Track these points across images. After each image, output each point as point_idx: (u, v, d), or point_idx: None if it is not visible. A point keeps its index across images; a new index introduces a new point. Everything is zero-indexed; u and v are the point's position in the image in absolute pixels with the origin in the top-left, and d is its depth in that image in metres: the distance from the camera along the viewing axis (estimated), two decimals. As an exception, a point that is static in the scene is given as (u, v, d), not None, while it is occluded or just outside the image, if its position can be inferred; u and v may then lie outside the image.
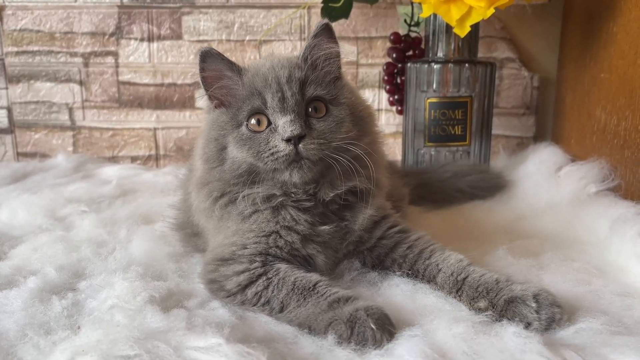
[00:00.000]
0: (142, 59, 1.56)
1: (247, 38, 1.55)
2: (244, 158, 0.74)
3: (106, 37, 1.55)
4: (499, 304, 0.65)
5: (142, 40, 1.55)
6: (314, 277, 0.69)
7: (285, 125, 0.71)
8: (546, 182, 1.16)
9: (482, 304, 0.66)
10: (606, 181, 1.05)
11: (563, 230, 0.96)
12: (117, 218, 1.00)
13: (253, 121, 0.74)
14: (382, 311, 0.61)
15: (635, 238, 0.82)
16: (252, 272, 0.70)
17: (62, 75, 1.56)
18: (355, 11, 1.46)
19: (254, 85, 0.75)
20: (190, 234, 0.90)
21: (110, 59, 1.56)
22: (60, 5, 1.53)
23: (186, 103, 1.58)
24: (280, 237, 0.75)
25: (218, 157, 0.76)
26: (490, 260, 0.82)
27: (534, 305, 0.62)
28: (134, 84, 1.57)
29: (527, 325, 0.61)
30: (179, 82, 1.57)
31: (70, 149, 1.60)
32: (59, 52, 1.55)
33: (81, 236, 0.91)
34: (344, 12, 1.34)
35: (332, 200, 0.77)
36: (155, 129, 1.59)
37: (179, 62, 1.56)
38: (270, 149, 0.72)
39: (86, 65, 1.56)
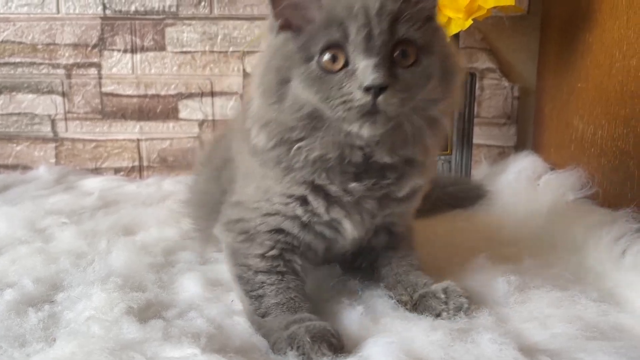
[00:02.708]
0: (125, 70, 1.56)
1: (231, 49, 1.56)
2: (309, 100, 0.63)
3: (89, 48, 1.55)
4: (415, 297, 0.72)
5: (125, 51, 1.55)
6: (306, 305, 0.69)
7: (367, 70, 0.59)
8: (525, 190, 1.18)
9: (404, 297, 0.73)
10: (584, 189, 1.07)
11: (542, 237, 0.96)
12: (97, 230, 0.99)
13: (327, 57, 0.61)
14: (324, 327, 0.61)
15: (611, 244, 0.83)
16: (271, 264, 0.72)
17: (45, 86, 1.56)
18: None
19: (335, 11, 0.61)
20: (209, 208, 0.85)
21: (93, 71, 1.56)
22: (43, 17, 1.53)
23: (170, 114, 1.58)
24: (307, 203, 0.70)
25: (277, 92, 0.64)
26: (470, 268, 0.83)
27: (442, 296, 0.70)
28: (117, 95, 1.57)
29: (437, 316, 0.68)
30: (163, 93, 1.57)
31: (53, 160, 1.59)
32: (41, 64, 1.55)
33: (60, 248, 0.90)
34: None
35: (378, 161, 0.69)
36: (138, 140, 1.59)
37: (162, 73, 1.56)
38: (342, 96, 0.61)
39: (69, 76, 1.56)
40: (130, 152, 1.60)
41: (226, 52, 1.56)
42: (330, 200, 0.70)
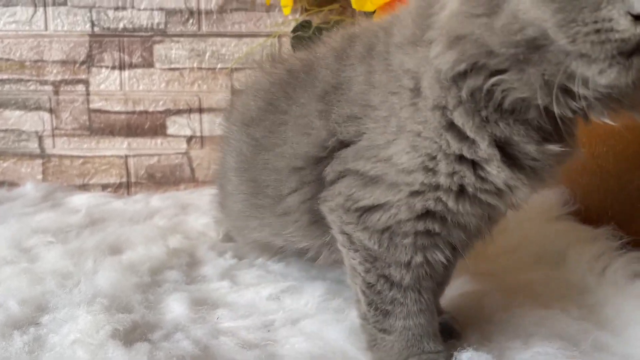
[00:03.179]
0: (113, 86, 1.56)
1: (219, 66, 1.57)
2: (540, 20, 0.46)
3: (77, 65, 1.55)
4: None
5: (113, 68, 1.56)
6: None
7: None
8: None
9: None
10: (567, 206, 1.08)
11: (526, 253, 0.98)
12: (84, 249, 0.99)
13: None
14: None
15: (592, 261, 0.85)
16: (417, 275, 0.62)
17: (32, 103, 1.56)
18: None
19: None
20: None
21: (81, 87, 1.56)
22: (31, 34, 1.53)
23: (158, 130, 1.58)
24: (481, 168, 0.55)
25: (491, 1, 0.48)
26: (455, 285, 0.83)
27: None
28: (105, 111, 1.57)
29: None
30: (151, 109, 1.58)
31: (40, 177, 1.58)
32: (28, 81, 1.55)
33: (46, 268, 0.89)
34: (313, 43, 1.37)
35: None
36: (126, 156, 1.59)
37: (150, 89, 1.57)
38: (596, 22, 0.44)
39: (56, 93, 1.56)
40: (118, 168, 1.60)
41: (214, 68, 1.57)
42: (512, 165, 0.56)
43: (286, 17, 1.50)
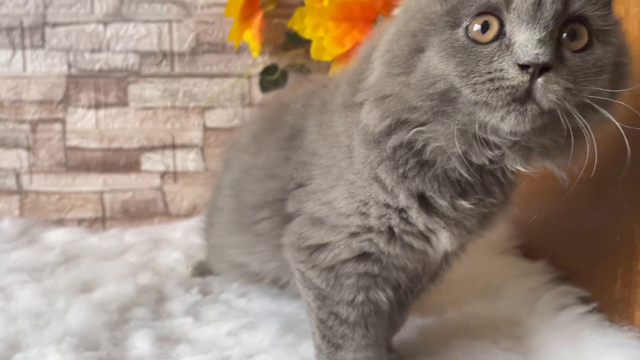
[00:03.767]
0: (89, 125, 1.63)
1: (192, 105, 1.64)
2: (445, 75, 0.52)
3: (54, 105, 1.62)
4: None
5: (89, 107, 1.62)
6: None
7: (528, 43, 0.48)
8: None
9: None
10: (512, 241, 1.17)
11: (470, 287, 1.04)
12: (57, 287, 1.04)
13: (477, 26, 0.51)
14: None
15: (525, 295, 0.93)
16: (361, 313, 0.68)
17: (10, 141, 1.61)
18: (292, 80, 1.57)
19: None
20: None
21: (58, 126, 1.62)
22: (10, 75, 1.59)
23: (132, 167, 1.65)
24: (404, 212, 0.62)
25: (407, 62, 0.54)
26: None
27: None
28: (81, 149, 1.63)
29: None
30: (126, 146, 1.64)
31: (17, 212, 1.63)
32: (6, 120, 1.61)
33: (20, 307, 0.94)
34: (279, 84, 1.45)
35: (494, 171, 0.60)
36: (102, 192, 1.65)
37: (125, 127, 1.63)
38: (490, 73, 0.49)
39: (34, 131, 1.62)
40: (94, 203, 1.65)
41: (187, 107, 1.64)
42: (430, 210, 0.62)
43: (255, 60, 1.58)
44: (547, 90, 0.49)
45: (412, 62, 0.54)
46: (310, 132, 0.71)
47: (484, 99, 0.50)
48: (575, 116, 0.51)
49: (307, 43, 1.27)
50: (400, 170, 0.61)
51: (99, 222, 1.66)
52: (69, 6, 1.58)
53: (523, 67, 0.49)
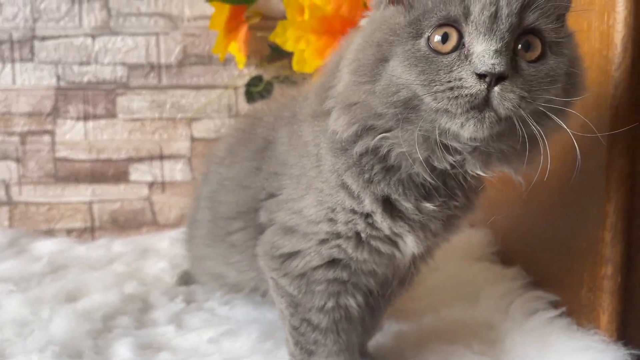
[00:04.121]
0: (78, 137, 1.65)
1: (179, 116, 1.67)
2: (408, 83, 0.54)
3: (43, 117, 1.64)
4: None
5: (78, 119, 1.64)
6: None
7: (485, 53, 0.51)
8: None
9: None
10: (488, 247, 1.19)
11: (448, 293, 1.07)
12: (43, 297, 1.06)
13: (438, 37, 0.54)
14: None
15: (498, 299, 0.95)
16: (332, 319, 0.70)
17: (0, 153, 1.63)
18: (277, 91, 1.60)
19: None
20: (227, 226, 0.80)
21: (47, 138, 1.64)
22: (-1, 88, 1.62)
23: (121, 177, 1.67)
24: (369, 217, 0.64)
25: (372, 71, 0.57)
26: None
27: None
28: (70, 160, 1.65)
29: None
30: (114, 157, 1.66)
31: (7, 223, 1.65)
32: (-4, 132, 1.63)
33: (6, 317, 0.96)
34: (264, 95, 1.48)
35: (456, 176, 0.63)
36: (90, 202, 1.67)
37: (113, 139, 1.66)
38: (450, 82, 0.52)
39: (23, 143, 1.64)
40: (83, 213, 1.67)
41: (174, 118, 1.66)
42: (395, 214, 0.65)
43: (241, 71, 1.61)
44: (503, 99, 0.52)
45: (377, 71, 0.57)
46: (280, 143, 0.73)
47: (445, 107, 0.53)
48: (530, 124, 0.54)
49: (290, 55, 1.30)
50: (366, 176, 0.63)
51: (88, 232, 1.68)
52: (58, 20, 1.61)
53: (481, 76, 0.52)
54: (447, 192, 0.64)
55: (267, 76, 1.57)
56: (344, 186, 0.64)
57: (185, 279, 1.19)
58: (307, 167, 0.68)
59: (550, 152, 0.82)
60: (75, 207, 1.67)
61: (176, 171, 1.66)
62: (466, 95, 0.52)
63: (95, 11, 1.61)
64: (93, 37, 1.62)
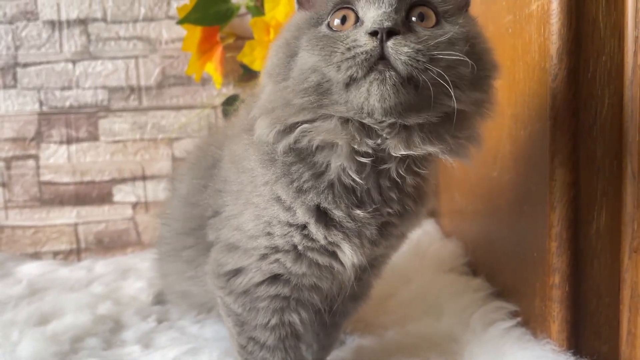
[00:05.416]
0: (62, 160, 1.68)
1: (160, 136, 1.69)
2: (314, 65, 0.57)
3: (27, 141, 1.67)
4: None
5: (61, 143, 1.67)
6: None
7: (376, 16, 0.55)
8: (416, 257, 1.30)
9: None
10: (459, 258, 1.20)
11: (418, 305, 1.07)
12: (16, 320, 1.07)
13: (337, 21, 0.59)
14: None
15: (461, 312, 0.96)
16: (278, 336, 0.71)
17: (-15, 179, 1.66)
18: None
19: None
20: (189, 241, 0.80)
21: (31, 162, 1.67)
22: (-17, 115, 1.65)
23: (105, 198, 1.69)
24: (304, 228, 0.65)
25: (285, 68, 0.60)
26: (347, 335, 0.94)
27: None
28: (55, 183, 1.68)
29: None
30: (97, 179, 1.69)
31: (-6, 247, 1.68)
32: (-19, 158, 1.66)
33: (-24, 342, 0.98)
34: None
35: (389, 173, 0.62)
36: (75, 224, 1.69)
37: (96, 161, 1.68)
38: (347, 45, 0.56)
39: (8, 168, 1.67)
40: (68, 235, 1.69)
41: (155, 139, 1.69)
42: (329, 223, 0.65)
43: (220, 91, 1.64)
44: (398, 52, 0.54)
45: (289, 66, 0.60)
46: (224, 160, 0.75)
47: (347, 73, 0.55)
48: (432, 83, 0.55)
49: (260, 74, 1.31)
50: (296, 185, 0.64)
51: (74, 253, 1.70)
52: (39, 47, 1.64)
53: (373, 34, 0.55)
54: (381, 197, 0.64)
55: (244, 95, 1.59)
56: (277, 199, 0.65)
57: (161, 298, 1.20)
58: (244, 182, 0.69)
59: (503, 162, 0.83)
60: (60, 230, 1.69)
61: (159, 191, 1.68)
62: (362, 53, 0.54)
63: (75, 37, 1.65)
64: (74, 62, 1.65)
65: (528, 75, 0.80)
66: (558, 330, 0.76)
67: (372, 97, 0.55)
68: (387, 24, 0.54)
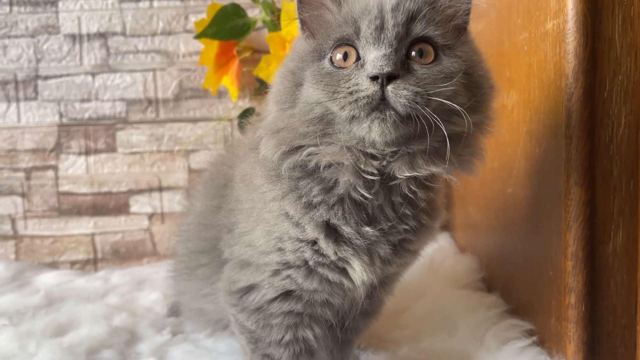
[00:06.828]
0: (80, 171, 1.70)
1: (177, 148, 1.71)
2: (318, 99, 0.60)
3: (47, 153, 1.70)
4: None
5: (80, 154, 1.70)
6: None
7: (376, 59, 0.57)
8: (431, 271, 1.30)
9: None
10: (474, 274, 1.19)
11: (432, 320, 1.07)
12: (33, 330, 1.09)
13: (339, 56, 0.61)
14: None
15: (475, 329, 0.95)
16: (293, 352, 0.71)
17: (5, 189, 1.69)
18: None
19: (351, 12, 0.61)
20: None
21: (50, 173, 1.70)
22: (5, 126, 1.68)
23: (121, 209, 1.71)
24: (315, 244, 0.65)
25: (291, 97, 0.62)
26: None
27: None
28: (73, 194, 1.70)
29: None
30: (115, 190, 1.71)
31: (13, 256, 1.70)
32: (2, 168, 1.69)
33: (-6, 351, 1.00)
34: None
35: (399, 189, 0.63)
36: (93, 234, 1.71)
37: (114, 172, 1.71)
38: (349, 88, 0.58)
39: (28, 179, 1.70)
40: (86, 245, 1.71)
41: (172, 151, 1.71)
42: (339, 239, 0.65)
43: (236, 103, 1.65)
44: (397, 96, 0.56)
45: (295, 96, 0.63)
46: (236, 180, 0.76)
47: (350, 113, 0.58)
48: (431, 117, 0.57)
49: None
50: (305, 200, 0.65)
51: (91, 263, 1.72)
52: (60, 59, 1.68)
53: (373, 78, 0.57)
54: (395, 213, 0.65)
55: (259, 108, 1.60)
56: (286, 214, 0.66)
57: (176, 310, 1.21)
58: (255, 199, 0.69)
59: (518, 178, 0.83)
60: (78, 240, 1.71)
61: (175, 202, 1.70)
62: (364, 97, 0.57)
63: (95, 50, 1.68)
64: (93, 75, 1.68)
65: (543, 93, 0.80)
66: (574, 351, 0.75)
67: (373, 132, 0.58)
68: (387, 69, 0.56)
